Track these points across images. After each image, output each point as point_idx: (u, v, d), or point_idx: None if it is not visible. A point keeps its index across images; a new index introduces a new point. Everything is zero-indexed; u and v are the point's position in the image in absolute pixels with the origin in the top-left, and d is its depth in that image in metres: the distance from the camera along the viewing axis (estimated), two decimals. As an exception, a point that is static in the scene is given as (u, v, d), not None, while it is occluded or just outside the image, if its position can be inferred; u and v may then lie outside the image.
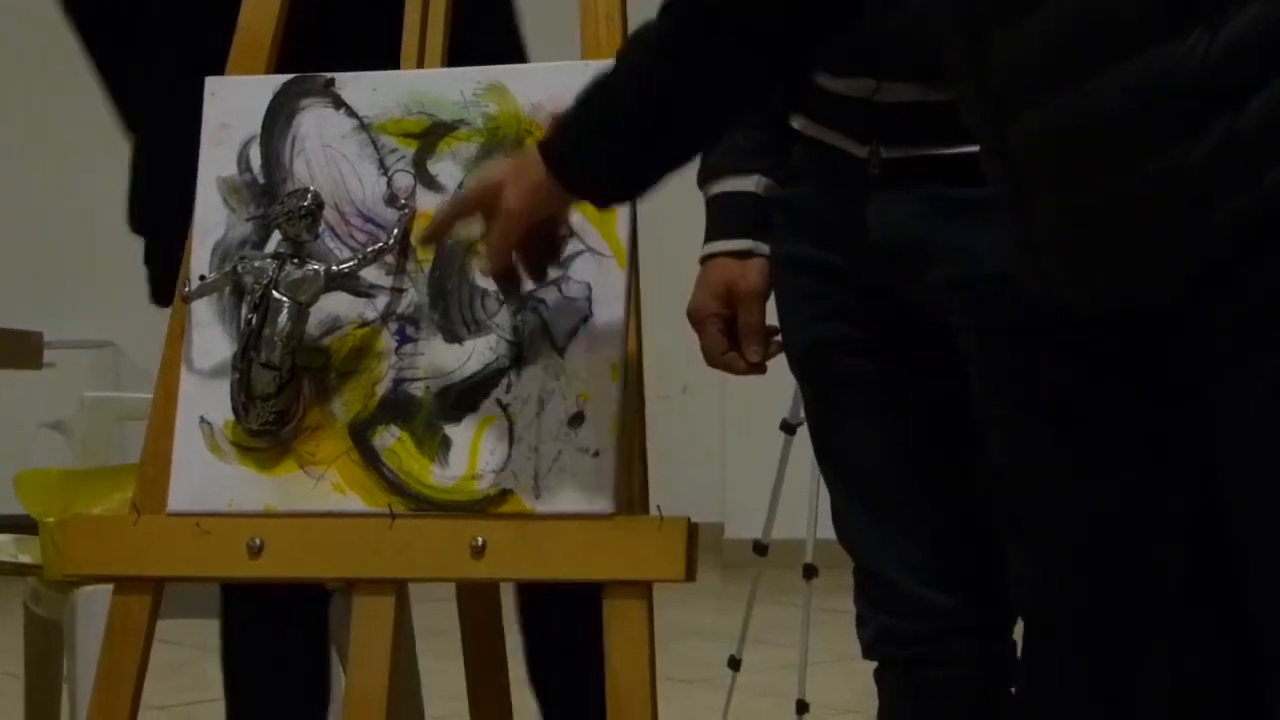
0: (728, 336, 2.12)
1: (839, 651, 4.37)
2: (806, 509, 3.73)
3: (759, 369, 2.12)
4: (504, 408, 1.91)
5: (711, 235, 2.15)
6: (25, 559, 2.91)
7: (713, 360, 2.13)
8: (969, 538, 2.02)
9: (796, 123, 2.07)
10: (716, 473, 6.76)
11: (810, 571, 3.71)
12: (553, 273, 1.89)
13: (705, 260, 2.14)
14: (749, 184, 2.12)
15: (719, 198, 2.15)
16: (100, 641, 1.99)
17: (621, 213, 1.91)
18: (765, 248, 2.11)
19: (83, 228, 7.48)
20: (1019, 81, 1.58)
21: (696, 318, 2.13)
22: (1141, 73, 1.50)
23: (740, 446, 6.59)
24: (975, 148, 1.86)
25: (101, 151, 7.54)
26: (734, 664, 3.91)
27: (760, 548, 3.88)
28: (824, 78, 1.98)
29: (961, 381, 1.93)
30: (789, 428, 3.83)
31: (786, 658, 4.14)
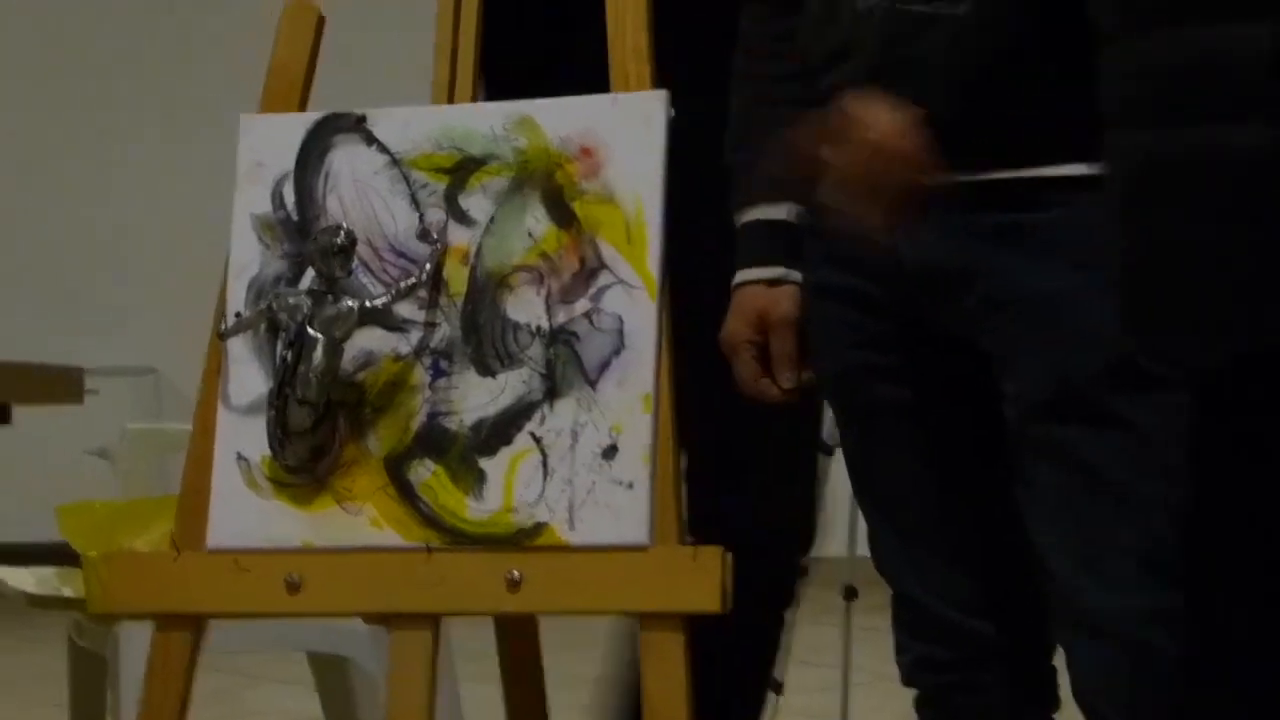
0: (761, 363, 2.13)
1: (880, 672, 4.34)
2: (846, 528, 3.72)
3: (793, 395, 2.12)
4: (537, 440, 1.92)
5: (743, 263, 2.15)
6: (68, 592, 2.93)
7: (747, 387, 2.13)
8: (1005, 563, 2.02)
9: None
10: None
11: (850, 593, 3.71)
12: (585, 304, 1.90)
13: (737, 288, 2.15)
14: (780, 211, 2.13)
15: (751, 225, 2.15)
16: (143, 675, 2.01)
17: (652, 245, 1.92)
18: (797, 275, 2.12)
19: (125, 252, 7.54)
20: (1121, 99, 1.58)
21: (730, 344, 2.13)
22: (1239, 140, 1.48)
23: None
24: (1007, 173, 1.86)
25: (146, 177, 7.62)
26: (775, 687, 3.90)
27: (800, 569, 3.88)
28: None
29: (994, 406, 1.94)
30: (826, 448, 3.82)
31: (829, 679, 4.14)
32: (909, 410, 2.03)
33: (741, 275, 2.15)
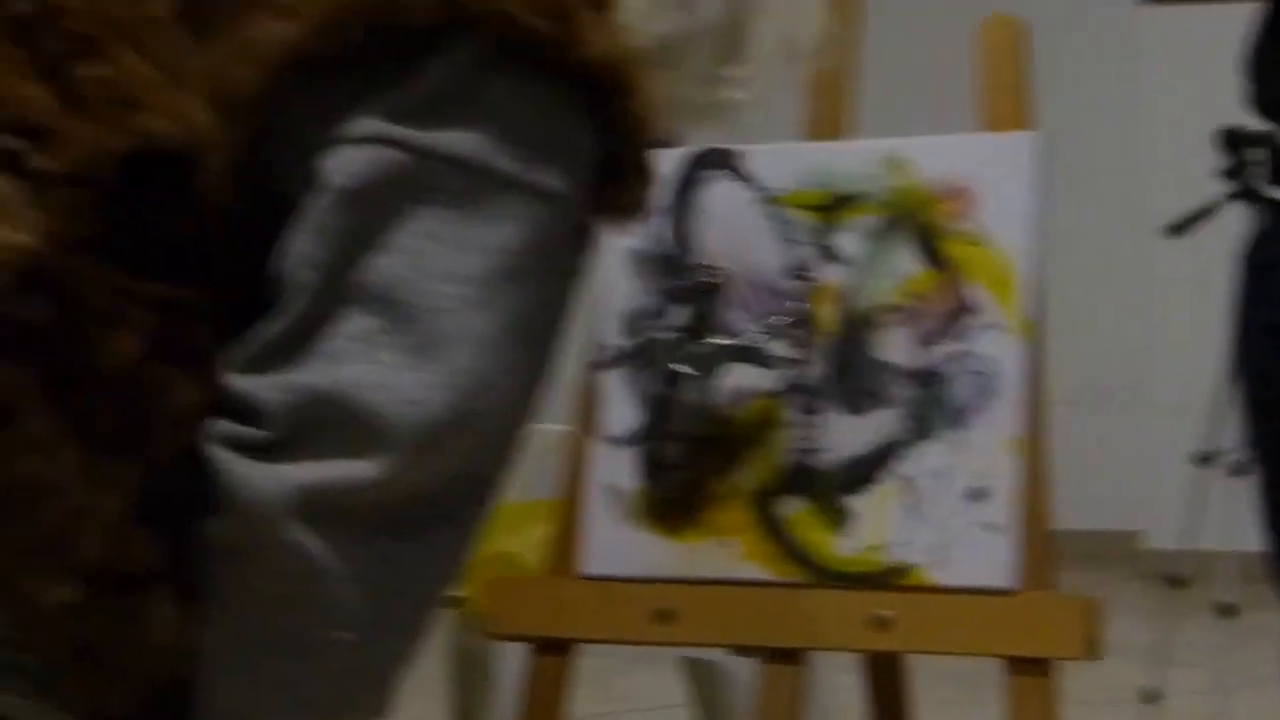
0: None
1: (1262, 675, 4.26)
2: (1222, 524, 3.65)
3: None
4: (906, 481, 1.93)
5: None
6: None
7: None
8: None
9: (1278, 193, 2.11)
10: (1134, 478, 6.62)
11: (1229, 610, 3.63)
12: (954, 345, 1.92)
13: None
14: None
15: None
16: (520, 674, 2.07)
17: (1023, 286, 1.91)
18: None
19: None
20: None
21: None
22: None
23: (1157, 452, 6.45)
24: None
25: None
26: (1152, 696, 3.85)
27: (1177, 581, 3.82)
28: None
29: None
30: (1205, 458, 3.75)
31: (1203, 680, 4.06)
32: None
33: None
